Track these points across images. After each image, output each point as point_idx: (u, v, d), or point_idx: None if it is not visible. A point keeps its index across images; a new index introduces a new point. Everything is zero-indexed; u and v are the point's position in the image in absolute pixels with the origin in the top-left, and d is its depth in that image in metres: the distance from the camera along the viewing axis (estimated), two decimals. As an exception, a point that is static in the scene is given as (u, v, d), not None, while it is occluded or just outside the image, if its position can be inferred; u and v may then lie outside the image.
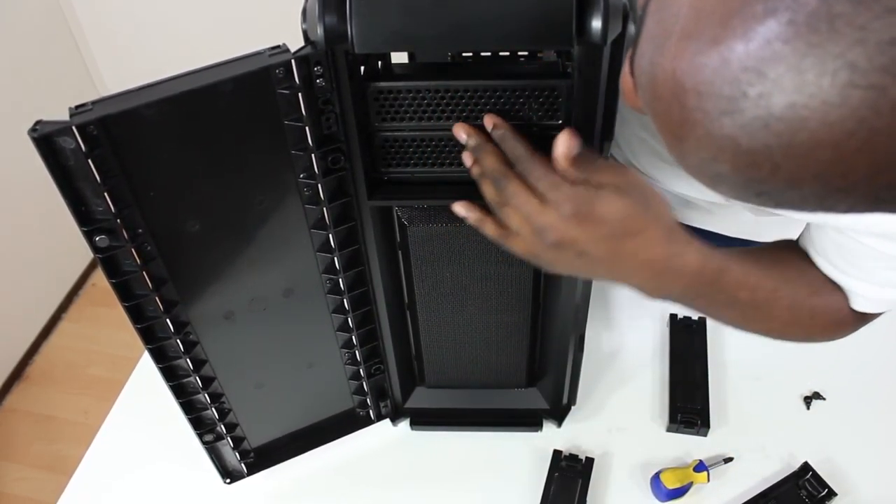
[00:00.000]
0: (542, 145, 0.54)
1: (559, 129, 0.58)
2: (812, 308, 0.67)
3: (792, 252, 0.69)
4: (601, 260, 0.56)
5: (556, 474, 0.81)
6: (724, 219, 0.93)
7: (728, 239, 0.94)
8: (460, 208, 0.60)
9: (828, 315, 0.68)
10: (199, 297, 0.65)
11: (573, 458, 0.82)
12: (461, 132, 0.56)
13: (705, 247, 0.60)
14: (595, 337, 0.94)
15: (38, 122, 0.48)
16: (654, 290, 0.60)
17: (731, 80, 0.31)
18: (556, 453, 0.83)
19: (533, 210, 0.54)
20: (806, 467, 0.80)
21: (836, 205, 0.33)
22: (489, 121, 0.55)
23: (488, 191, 0.56)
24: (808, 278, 0.67)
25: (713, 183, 0.36)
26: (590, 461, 0.82)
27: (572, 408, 0.87)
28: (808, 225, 0.68)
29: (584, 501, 0.79)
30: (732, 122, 0.32)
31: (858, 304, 0.66)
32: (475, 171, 0.57)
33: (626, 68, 0.41)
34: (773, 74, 0.30)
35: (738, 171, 0.33)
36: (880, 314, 0.68)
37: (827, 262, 0.65)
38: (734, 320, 0.68)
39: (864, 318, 0.68)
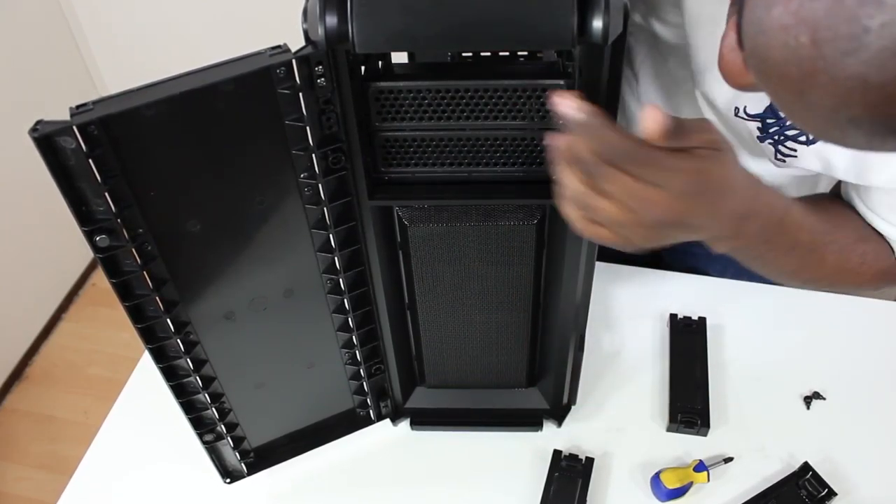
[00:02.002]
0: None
1: (559, 129, 0.58)
2: (862, 253, 0.66)
3: (835, 202, 0.69)
4: (700, 225, 0.52)
5: (556, 474, 0.81)
6: None
7: None
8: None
9: (877, 263, 0.67)
10: (199, 297, 0.65)
11: (573, 458, 0.82)
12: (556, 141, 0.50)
13: (774, 190, 0.58)
14: (595, 337, 0.94)
15: (38, 122, 0.48)
16: (732, 237, 0.56)
17: (849, 17, 0.30)
18: (556, 453, 0.83)
19: (636, 195, 0.48)
20: (806, 467, 0.80)
21: None
22: (570, 104, 0.48)
23: (574, 181, 0.50)
24: (855, 224, 0.67)
25: (845, 133, 0.35)
26: (590, 461, 0.82)
27: (572, 408, 0.87)
28: (848, 184, 0.67)
29: (584, 501, 0.79)
30: (857, 60, 0.31)
31: None
32: (564, 158, 0.51)
33: (728, 43, 0.40)
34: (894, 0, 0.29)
35: (871, 109, 0.32)
36: None
37: (875, 214, 0.65)
38: (790, 266, 0.65)
39: None
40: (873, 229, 0.67)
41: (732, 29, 0.39)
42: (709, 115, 0.70)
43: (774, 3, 0.33)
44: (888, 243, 0.67)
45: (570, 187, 0.51)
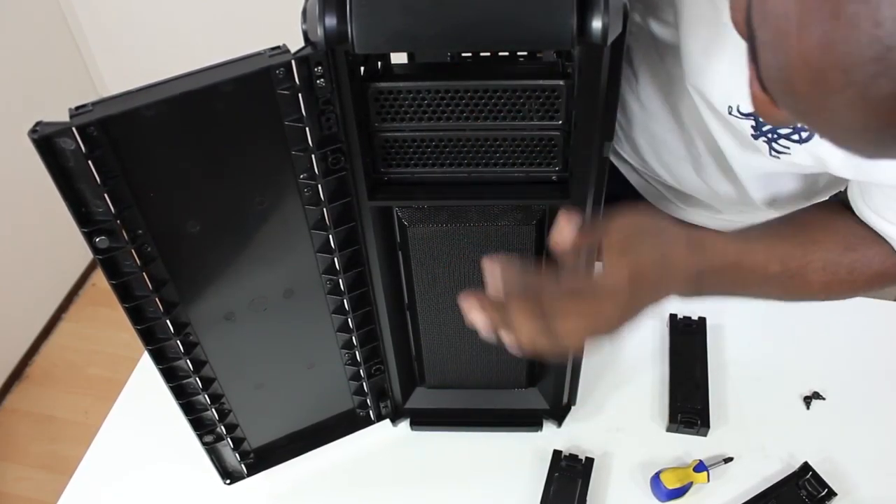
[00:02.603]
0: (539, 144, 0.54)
1: (559, 129, 0.58)
2: (850, 263, 0.66)
3: (816, 215, 0.69)
4: (652, 304, 0.58)
5: (556, 474, 0.81)
6: (738, 221, 0.93)
7: None
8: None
9: (868, 268, 0.67)
10: (199, 298, 0.65)
11: (573, 458, 0.82)
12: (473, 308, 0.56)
13: (721, 237, 0.61)
14: (595, 337, 0.94)
15: (38, 124, 0.48)
16: (692, 294, 0.61)
17: (870, 40, 0.30)
18: (556, 453, 0.83)
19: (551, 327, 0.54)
20: (806, 467, 0.80)
21: None
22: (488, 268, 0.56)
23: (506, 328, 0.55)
24: (840, 236, 0.67)
25: (881, 149, 0.35)
26: (590, 461, 0.82)
27: (572, 408, 0.87)
28: (852, 183, 0.68)
29: (584, 501, 0.79)
30: (889, 79, 0.31)
31: None
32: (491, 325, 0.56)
33: (754, 90, 0.41)
34: None
35: None
36: None
37: (876, 214, 0.65)
38: (775, 294, 0.67)
39: None
40: (865, 233, 0.67)
41: (753, 76, 0.39)
42: (705, 113, 0.70)
43: (787, 41, 0.34)
44: (881, 245, 0.67)
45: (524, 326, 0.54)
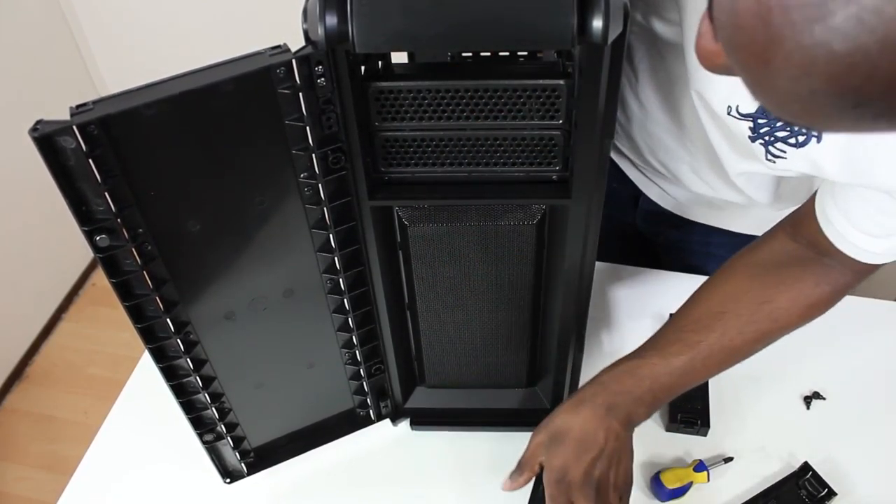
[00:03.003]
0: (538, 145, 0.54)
1: (559, 128, 0.58)
2: (769, 313, 0.72)
3: (724, 286, 0.75)
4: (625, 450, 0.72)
5: (557, 474, 0.81)
6: (739, 217, 0.93)
7: (742, 237, 0.93)
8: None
9: (796, 306, 0.72)
10: (199, 297, 0.65)
11: (573, 458, 0.82)
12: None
13: (652, 364, 0.72)
14: (595, 337, 0.94)
15: (38, 122, 0.48)
16: (644, 418, 0.73)
17: None
18: (557, 453, 0.82)
19: None
20: (806, 467, 0.80)
21: None
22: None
23: None
24: (752, 294, 0.72)
25: (806, 107, 0.35)
26: (590, 461, 0.81)
27: (572, 408, 0.87)
28: (824, 190, 0.69)
29: (585, 501, 0.79)
30: (823, 27, 0.31)
31: (870, 258, 0.68)
32: None
33: (703, 25, 0.41)
34: None
35: (833, 81, 0.32)
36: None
37: (851, 224, 0.66)
38: (728, 366, 0.75)
39: (864, 272, 0.71)
40: (784, 276, 0.72)
41: (706, 13, 0.40)
42: (703, 113, 0.71)
43: None
44: (805, 280, 0.71)
45: None
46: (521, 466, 0.74)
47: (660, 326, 0.76)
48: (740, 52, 0.36)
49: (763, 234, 0.76)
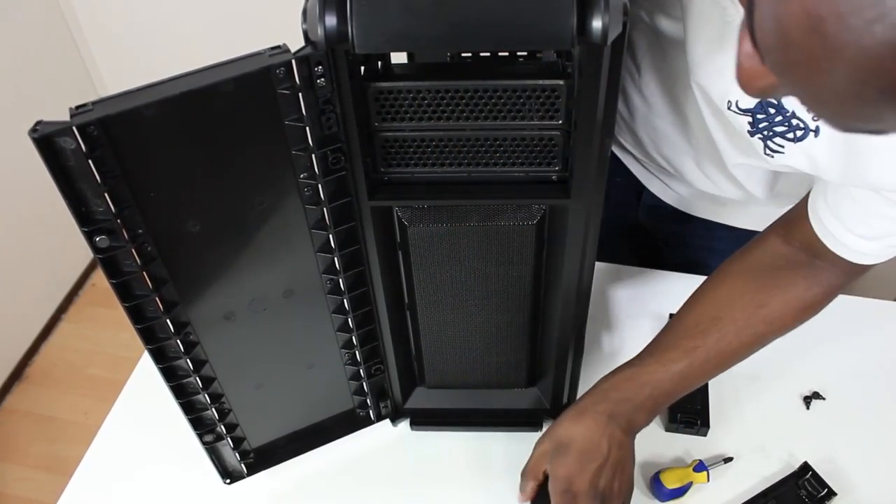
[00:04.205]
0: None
1: (559, 128, 0.58)
2: (763, 317, 0.73)
3: (717, 292, 0.76)
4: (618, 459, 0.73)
5: (557, 474, 0.81)
6: (741, 212, 0.93)
7: (744, 232, 0.94)
8: None
9: (789, 308, 0.73)
10: (199, 298, 0.65)
11: (573, 458, 0.82)
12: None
13: (651, 371, 0.73)
14: (595, 337, 0.94)
15: (38, 123, 0.48)
16: (646, 422, 0.76)
17: None
18: (557, 453, 0.82)
19: None
20: (806, 467, 0.80)
21: None
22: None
23: None
24: (745, 299, 0.73)
25: (878, 108, 0.35)
26: (590, 461, 0.82)
27: (572, 408, 0.87)
28: (817, 192, 0.69)
29: (585, 501, 0.79)
30: (884, 25, 0.31)
31: (862, 259, 0.68)
32: None
33: (744, 50, 0.40)
34: None
35: None
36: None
37: (843, 226, 0.67)
38: (729, 366, 0.76)
39: (855, 273, 0.72)
40: (777, 279, 0.73)
41: (745, 35, 0.39)
42: (704, 107, 0.71)
43: None
44: (797, 284, 0.72)
45: None
46: (525, 476, 0.75)
47: (660, 327, 0.77)
48: (796, 69, 0.35)
49: (755, 238, 0.77)
